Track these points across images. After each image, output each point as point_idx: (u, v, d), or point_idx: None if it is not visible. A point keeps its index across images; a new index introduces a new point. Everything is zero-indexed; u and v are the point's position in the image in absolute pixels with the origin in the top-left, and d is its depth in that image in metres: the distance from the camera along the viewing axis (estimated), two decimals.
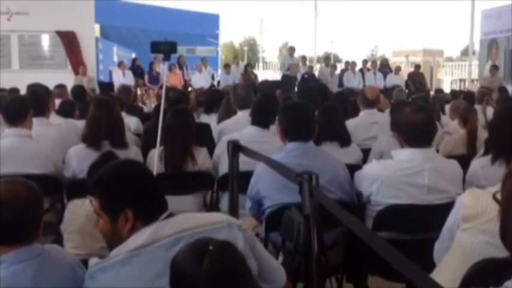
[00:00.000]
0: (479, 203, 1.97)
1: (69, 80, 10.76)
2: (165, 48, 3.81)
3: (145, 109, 8.87)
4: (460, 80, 20.64)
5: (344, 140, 3.78)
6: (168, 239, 1.67)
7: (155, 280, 1.61)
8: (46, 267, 1.70)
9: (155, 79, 14.21)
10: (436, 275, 1.99)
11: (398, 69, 15.94)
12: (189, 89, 13.78)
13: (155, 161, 3.26)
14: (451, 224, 2.11)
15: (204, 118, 5.69)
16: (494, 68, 13.85)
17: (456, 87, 17.89)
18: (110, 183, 1.76)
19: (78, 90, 6.78)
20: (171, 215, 1.76)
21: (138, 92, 13.47)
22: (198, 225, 1.71)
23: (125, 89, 6.96)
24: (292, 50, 15.67)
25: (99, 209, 1.77)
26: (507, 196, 1.41)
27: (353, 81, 14.84)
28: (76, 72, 12.61)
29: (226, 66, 15.86)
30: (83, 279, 1.73)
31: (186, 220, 1.76)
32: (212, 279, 1.35)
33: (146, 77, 14.47)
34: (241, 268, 1.42)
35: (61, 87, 6.79)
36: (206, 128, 4.89)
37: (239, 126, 4.13)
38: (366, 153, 4.01)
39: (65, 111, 5.11)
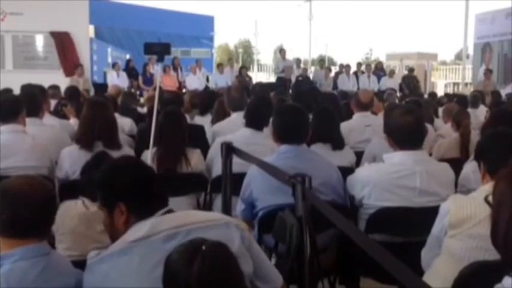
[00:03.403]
0: (464, 209, 2.00)
1: (62, 80, 10.71)
2: (158, 50, 3.80)
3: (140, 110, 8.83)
4: (454, 84, 20.71)
5: (338, 142, 3.79)
6: (166, 232, 1.69)
7: (152, 271, 1.62)
8: (52, 268, 1.73)
9: (149, 80, 14.15)
10: (427, 280, 2.00)
11: (392, 73, 16.00)
12: (183, 90, 13.74)
13: (148, 162, 3.25)
14: (437, 232, 2.13)
15: (198, 119, 5.67)
16: (489, 71, 13.94)
17: (450, 91, 17.96)
18: (105, 177, 1.84)
19: (72, 90, 6.74)
20: (170, 211, 1.79)
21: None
22: (195, 222, 1.74)
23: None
24: (283, 52, 15.68)
25: (100, 204, 1.85)
26: (499, 198, 1.41)
27: (347, 84, 14.84)
28: (67, 73, 12.48)
29: (220, 66, 15.82)
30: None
31: (185, 216, 1.79)
32: (202, 280, 1.35)
33: (140, 78, 14.43)
34: (232, 270, 1.42)
35: (54, 88, 6.76)
36: (200, 129, 4.89)
37: (233, 128, 4.12)
38: (360, 155, 4.02)
39: (57, 111, 5.10)
